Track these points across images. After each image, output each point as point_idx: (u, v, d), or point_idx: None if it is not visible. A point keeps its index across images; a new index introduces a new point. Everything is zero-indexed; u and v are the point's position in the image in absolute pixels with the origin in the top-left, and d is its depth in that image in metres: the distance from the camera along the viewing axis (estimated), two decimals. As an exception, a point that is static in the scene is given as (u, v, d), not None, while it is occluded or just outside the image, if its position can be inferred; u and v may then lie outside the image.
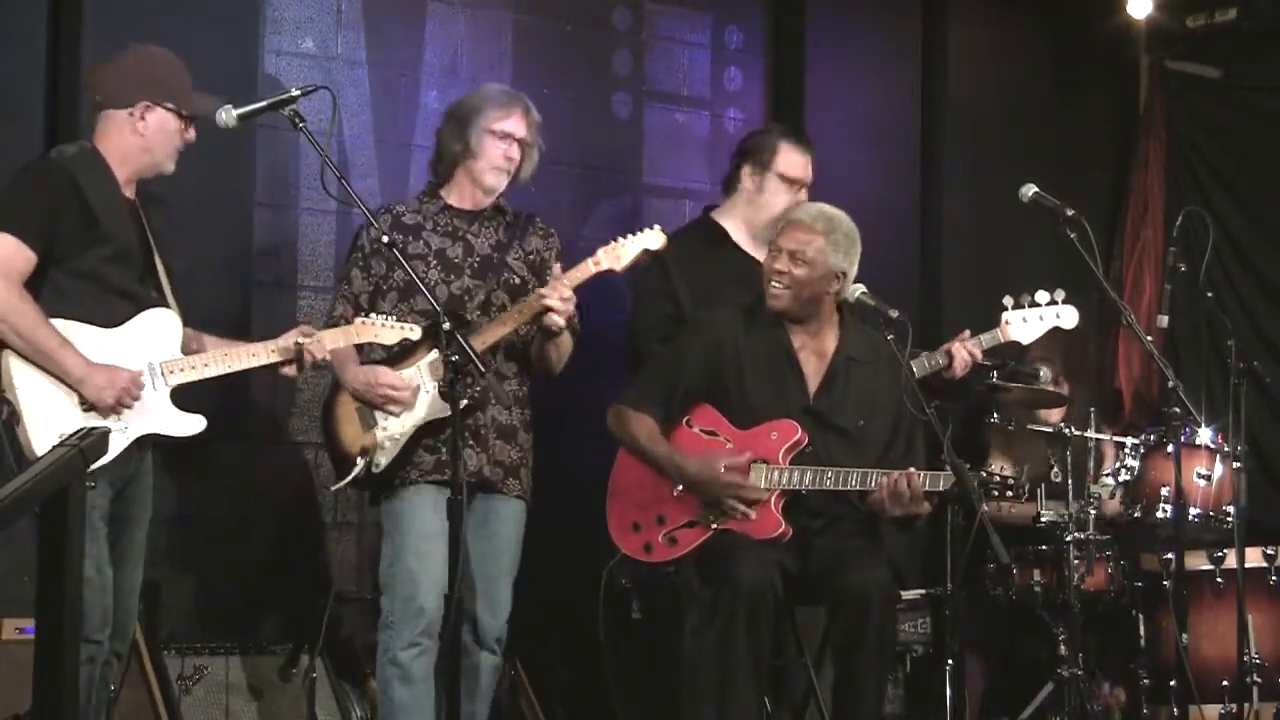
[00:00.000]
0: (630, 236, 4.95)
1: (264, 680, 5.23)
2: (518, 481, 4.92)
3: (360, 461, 4.75)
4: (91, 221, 4.26)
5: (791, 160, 5.48)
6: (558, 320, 4.79)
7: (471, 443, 4.80)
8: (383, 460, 4.76)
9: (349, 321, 4.76)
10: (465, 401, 4.63)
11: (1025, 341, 5.37)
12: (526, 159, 4.99)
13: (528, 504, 4.97)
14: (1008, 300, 5.34)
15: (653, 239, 4.96)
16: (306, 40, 5.74)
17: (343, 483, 4.81)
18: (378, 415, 4.78)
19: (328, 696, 5.25)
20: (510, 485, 4.90)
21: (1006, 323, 5.32)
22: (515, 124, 4.94)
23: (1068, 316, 5.33)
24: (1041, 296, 5.33)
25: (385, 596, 4.78)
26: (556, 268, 4.92)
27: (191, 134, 4.45)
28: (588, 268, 4.89)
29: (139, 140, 4.38)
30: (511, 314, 4.83)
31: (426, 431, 4.77)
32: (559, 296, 4.77)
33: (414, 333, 4.59)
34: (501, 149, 4.92)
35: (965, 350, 5.27)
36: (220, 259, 5.37)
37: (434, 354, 4.72)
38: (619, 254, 4.92)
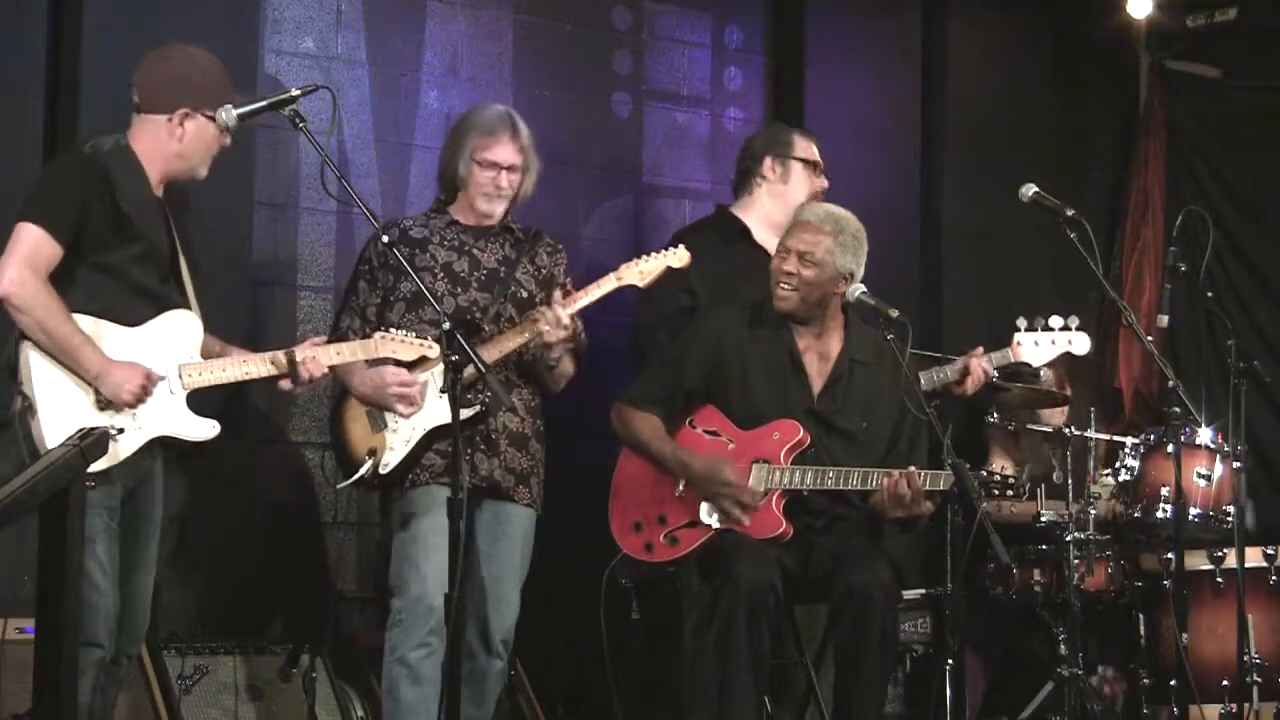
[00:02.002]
0: (655, 254, 4.95)
1: (264, 680, 5.22)
2: (528, 490, 4.92)
3: (368, 461, 4.75)
4: (122, 219, 4.23)
5: (808, 146, 5.57)
6: (551, 342, 4.78)
7: (483, 448, 4.81)
8: (390, 461, 4.75)
9: (356, 333, 4.77)
10: (477, 408, 4.65)
11: (1035, 364, 5.37)
12: (524, 180, 4.98)
13: (538, 513, 4.97)
14: (1021, 321, 5.33)
15: (677, 258, 4.96)
16: (306, 40, 5.74)
17: (348, 482, 4.81)
18: (387, 417, 4.78)
19: (328, 696, 5.25)
20: (520, 493, 4.91)
21: (1018, 343, 5.31)
22: (501, 152, 4.91)
23: (1080, 343, 5.32)
24: (1055, 321, 5.32)
25: (395, 596, 4.78)
26: (557, 294, 4.89)
27: (228, 139, 4.41)
28: (609, 282, 4.90)
29: (176, 146, 4.35)
30: (513, 333, 4.81)
31: (436, 435, 4.75)
32: (554, 320, 4.76)
33: (432, 350, 4.52)
34: (489, 177, 4.91)
35: (980, 365, 5.25)
36: (220, 259, 5.35)
37: None
38: (642, 270, 4.92)
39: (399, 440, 4.76)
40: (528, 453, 4.94)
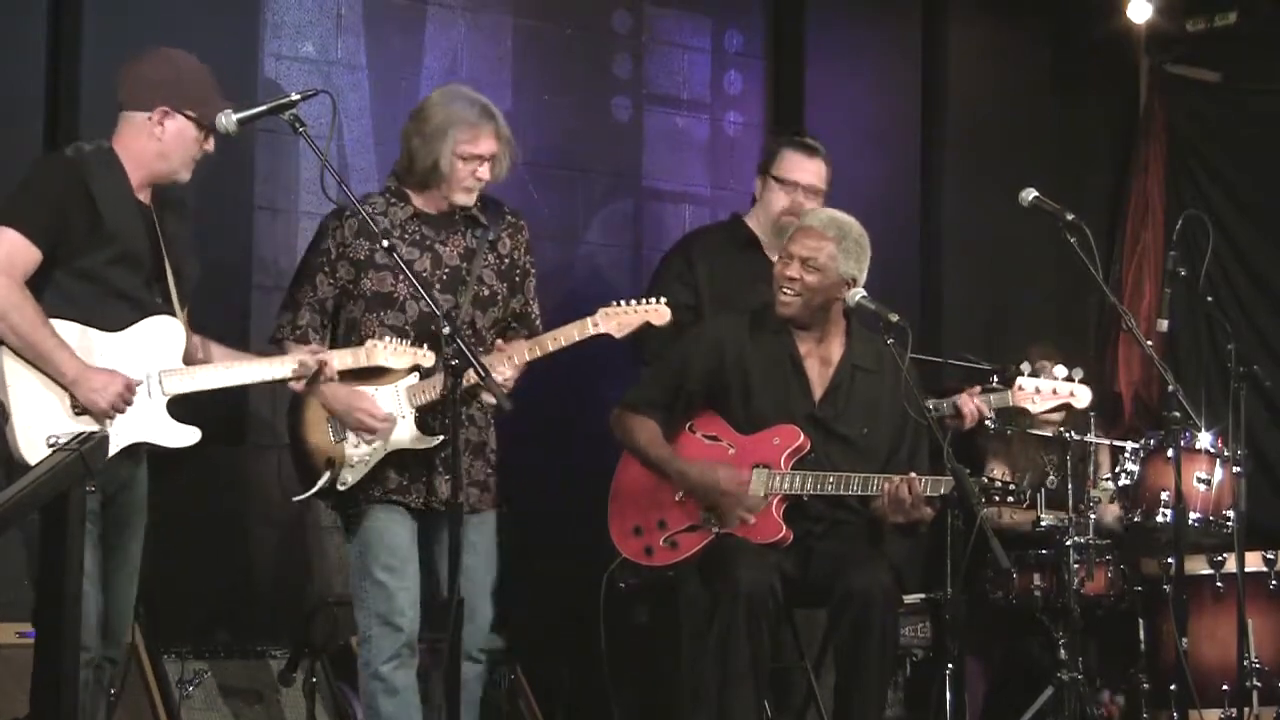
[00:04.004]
0: (635, 305, 4.75)
1: (264, 684, 5.23)
2: (489, 494, 4.82)
3: (325, 474, 4.64)
4: (97, 221, 4.21)
5: (790, 163, 5.49)
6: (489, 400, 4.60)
7: (440, 470, 4.64)
8: (349, 479, 4.64)
9: (317, 332, 4.66)
10: (441, 438, 4.55)
11: (1034, 411, 5.32)
12: (499, 166, 4.78)
13: (499, 511, 4.86)
14: (1025, 366, 5.30)
15: (658, 315, 4.76)
16: (306, 44, 5.74)
17: (305, 495, 4.69)
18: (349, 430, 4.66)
19: (327, 700, 5.25)
20: (484, 500, 4.80)
21: (1020, 388, 5.26)
22: (485, 144, 4.72)
23: (1081, 396, 5.26)
24: (1059, 371, 5.29)
25: (360, 611, 4.71)
26: (509, 346, 4.70)
27: (211, 144, 4.38)
28: (585, 327, 4.70)
29: (156, 145, 4.32)
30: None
31: (397, 456, 4.65)
32: (510, 379, 4.61)
33: (427, 360, 4.47)
34: (470, 169, 4.72)
35: (974, 405, 5.21)
36: (220, 263, 5.35)
37: (414, 377, 4.62)
38: (620, 322, 4.72)
39: (358, 457, 4.65)
40: (484, 457, 4.83)
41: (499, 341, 4.73)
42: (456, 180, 4.73)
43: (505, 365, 4.61)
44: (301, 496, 4.72)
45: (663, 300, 4.79)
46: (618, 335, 4.74)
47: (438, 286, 4.73)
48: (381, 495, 4.67)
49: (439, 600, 4.60)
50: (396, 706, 4.67)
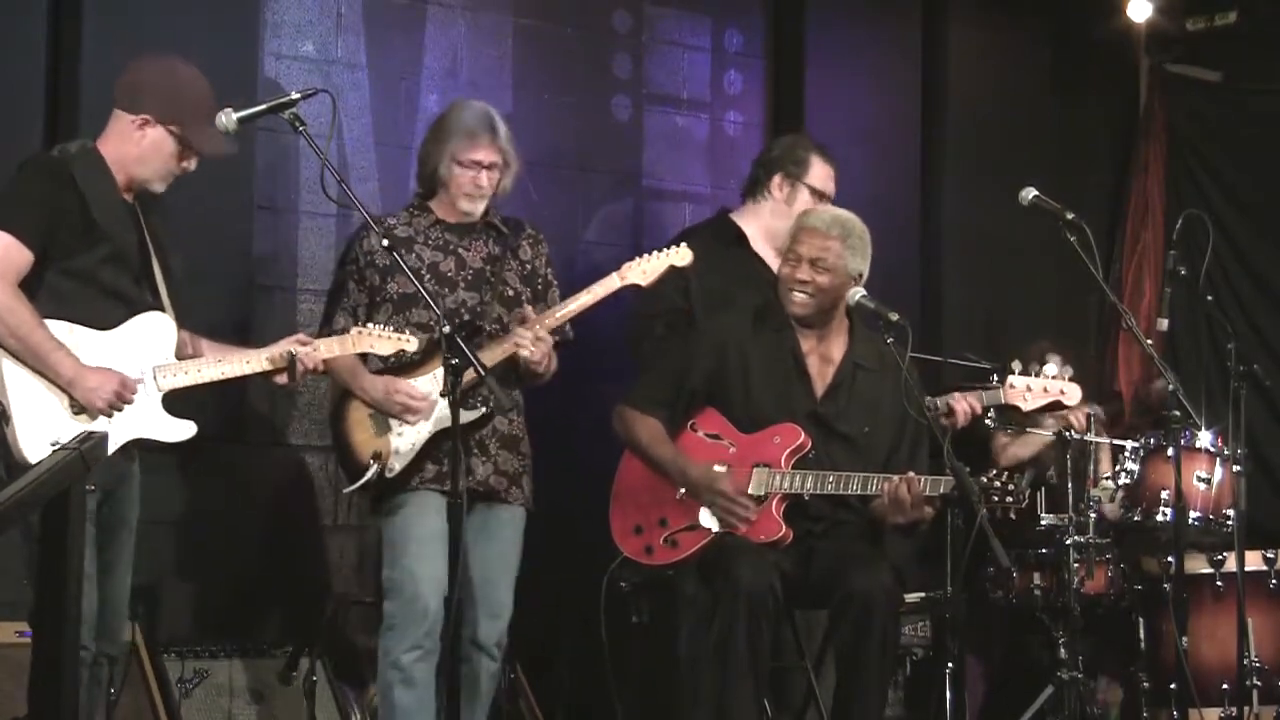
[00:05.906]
0: (657, 253, 4.92)
1: (264, 683, 5.23)
2: (520, 490, 4.93)
3: (374, 466, 4.74)
4: (89, 222, 4.24)
5: (822, 173, 5.51)
6: (532, 362, 4.78)
7: (476, 452, 4.81)
8: (397, 466, 4.75)
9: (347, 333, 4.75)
10: (482, 410, 4.69)
11: (1025, 408, 5.32)
12: (503, 176, 4.94)
13: (529, 512, 4.97)
14: (1016, 365, 5.30)
15: (680, 256, 4.93)
16: (306, 44, 5.74)
17: (354, 486, 4.79)
18: (392, 421, 4.77)
19: (328, 700, 5.25)
20: (514, 494, 4.91)
21: (1011, 385, 5.27)
22: (482, 153, 4.88)
23: (1071, 394, 5.27)
24: (1050, 369, 5.29)
25: (388, 600, 4.78)
26: (528, 310, 4.88)
27: (192, 164, 4.39)
28: (613, 281, 4.88)
29: (134, 150, 4.34)
30: (492, 346, 4.77)
31: (441, 438, 4.74)
32: (531, 339, 4.75)
33: (410, 344, 4.56)
34: (469, 176, 4.88)
35: (967, 403, 5.22)
36: (220, 262, 5.37)
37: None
38: (645, 269, 4.89)
39: (405, 444, 4.76)
40: (519, 453, 4.94)
41: (528, 310, 4.87)
42: (457, 186, 4.92)
43: (539, 328, 4.78)
44: (351, 488, 4.82)
45: (684, 245, 4.95)
46: (645, 283, 4.91)
47: (462, 285, 4.92)
48: (419, 484, 4.78)
49: (465, 584, 4.68)
50: (414, 699, 4.71)
